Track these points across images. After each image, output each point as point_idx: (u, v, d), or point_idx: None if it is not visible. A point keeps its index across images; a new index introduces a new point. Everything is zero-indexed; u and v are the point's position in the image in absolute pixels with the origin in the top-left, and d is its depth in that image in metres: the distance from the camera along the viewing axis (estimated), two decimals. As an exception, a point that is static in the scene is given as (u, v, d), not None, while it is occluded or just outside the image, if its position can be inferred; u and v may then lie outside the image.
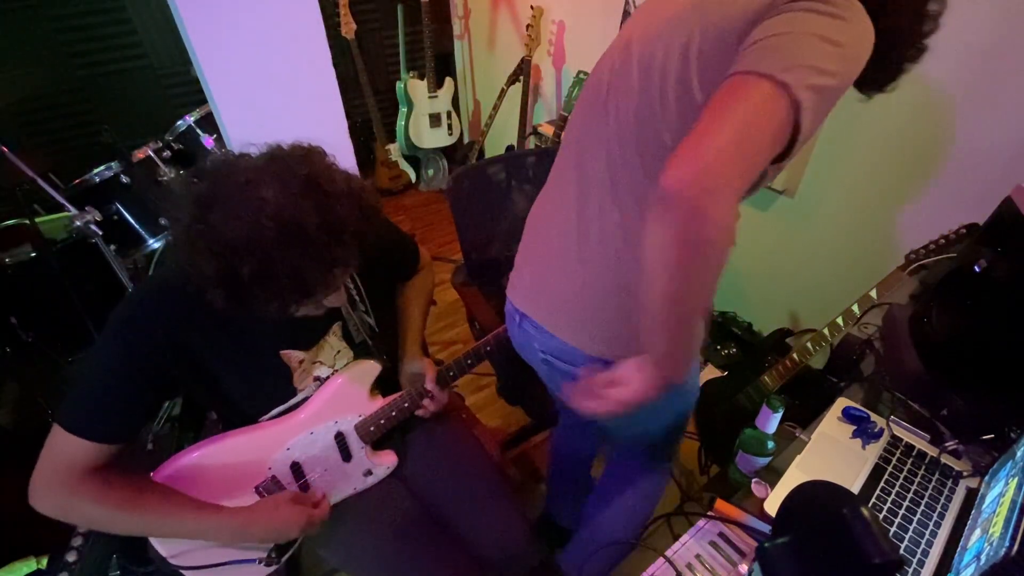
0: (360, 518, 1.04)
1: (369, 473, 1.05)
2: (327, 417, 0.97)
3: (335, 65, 1.38)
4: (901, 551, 0.83)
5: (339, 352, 0.99)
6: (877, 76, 0.71)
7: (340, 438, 0.99)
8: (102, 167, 1.90)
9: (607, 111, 0.80)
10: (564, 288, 0.87)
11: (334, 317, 0.98)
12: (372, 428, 1.01)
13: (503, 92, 2.69)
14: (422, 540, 1.02)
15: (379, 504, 1.06)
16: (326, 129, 1.44)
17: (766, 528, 0.87)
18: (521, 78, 2.60)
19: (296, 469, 0.98)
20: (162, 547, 0.90)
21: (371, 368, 1.00)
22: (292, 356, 0.93)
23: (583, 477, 1.52)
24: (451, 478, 1.13)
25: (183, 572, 0.94)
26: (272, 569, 0.99)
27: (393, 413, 1.02)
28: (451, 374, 1.06)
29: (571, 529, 1.41)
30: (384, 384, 1.06)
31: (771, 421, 1.02)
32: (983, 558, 0.70)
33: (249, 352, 0.89)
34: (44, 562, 1.26)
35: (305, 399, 0.96)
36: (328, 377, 0.98)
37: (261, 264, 0.69)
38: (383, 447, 1.09)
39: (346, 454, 1.01)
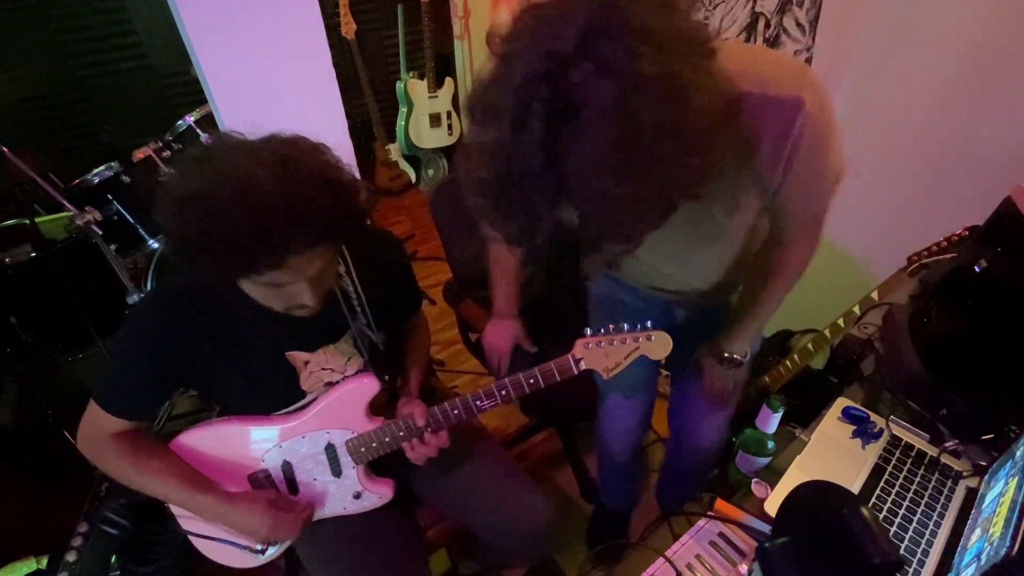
0: (343, 540, 1.03)
1: (359, 496, 1.03)
2: (319, 425, 0.96)
3: (335, 65, 1.38)
4: (901, 551, 0.83)
5: (350, 359, 0.98)
6: None
7: (331, 450, 0.98)
8: (102, 167, 1.90)
9: None
10: None
11: (343, 326, 0.97)
12: (363, 449, 0.98)
13: (503, 92, 2.69)
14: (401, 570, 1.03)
15: (365, 529, 1.04)
16: (326, 129, 1.43)
17: (766, 528, 0.87)
18: (521, 78, 2.60)
19: (287, 468, 0.98)
20: (174, 506, 0.98)
21: (370, 385, 0.96)
22: (297, 357, 0.94)
23: (638, 448, 1.53)
24: (466, 470, 1.11)
25: (189, 536, 1.01)
26: (259, 560, 1.02)
27: (386, 439, 0.97)
28: (455, 412, 0.96)
29: (627, 510, 1.57)
30: (387, 412, 1.04)
31: (771, 421, 1.02)
32: (983, 558, 0.70)
33: (253, 352, 0.91)
34: (44, 562, 1.26)
35: (312, 401, 0.96)
36: (335, 384, 0.97)
37: (205, 220, 0.71)
38: (383, 475, 1.05)
39: (336, 469, 0.99)
